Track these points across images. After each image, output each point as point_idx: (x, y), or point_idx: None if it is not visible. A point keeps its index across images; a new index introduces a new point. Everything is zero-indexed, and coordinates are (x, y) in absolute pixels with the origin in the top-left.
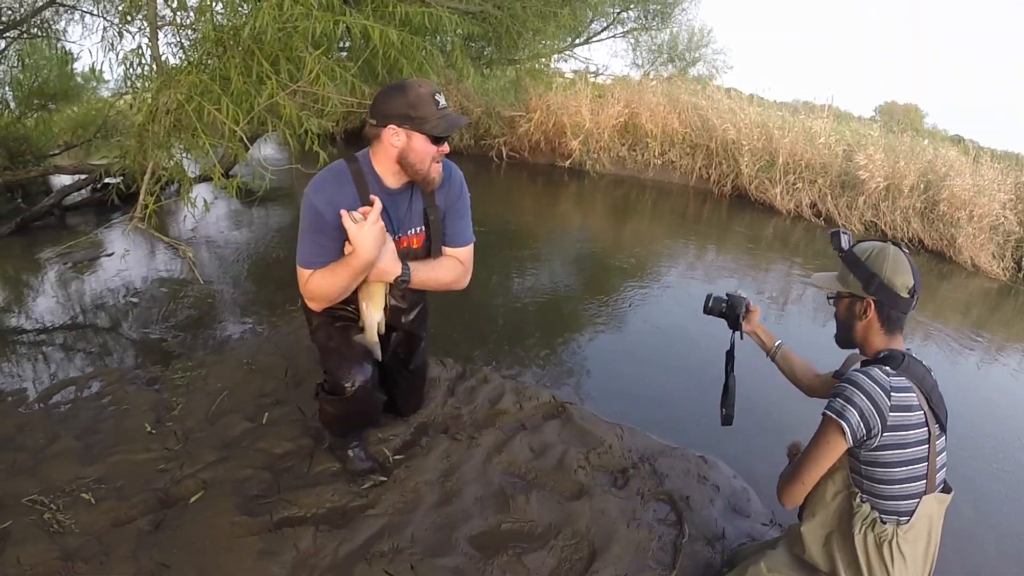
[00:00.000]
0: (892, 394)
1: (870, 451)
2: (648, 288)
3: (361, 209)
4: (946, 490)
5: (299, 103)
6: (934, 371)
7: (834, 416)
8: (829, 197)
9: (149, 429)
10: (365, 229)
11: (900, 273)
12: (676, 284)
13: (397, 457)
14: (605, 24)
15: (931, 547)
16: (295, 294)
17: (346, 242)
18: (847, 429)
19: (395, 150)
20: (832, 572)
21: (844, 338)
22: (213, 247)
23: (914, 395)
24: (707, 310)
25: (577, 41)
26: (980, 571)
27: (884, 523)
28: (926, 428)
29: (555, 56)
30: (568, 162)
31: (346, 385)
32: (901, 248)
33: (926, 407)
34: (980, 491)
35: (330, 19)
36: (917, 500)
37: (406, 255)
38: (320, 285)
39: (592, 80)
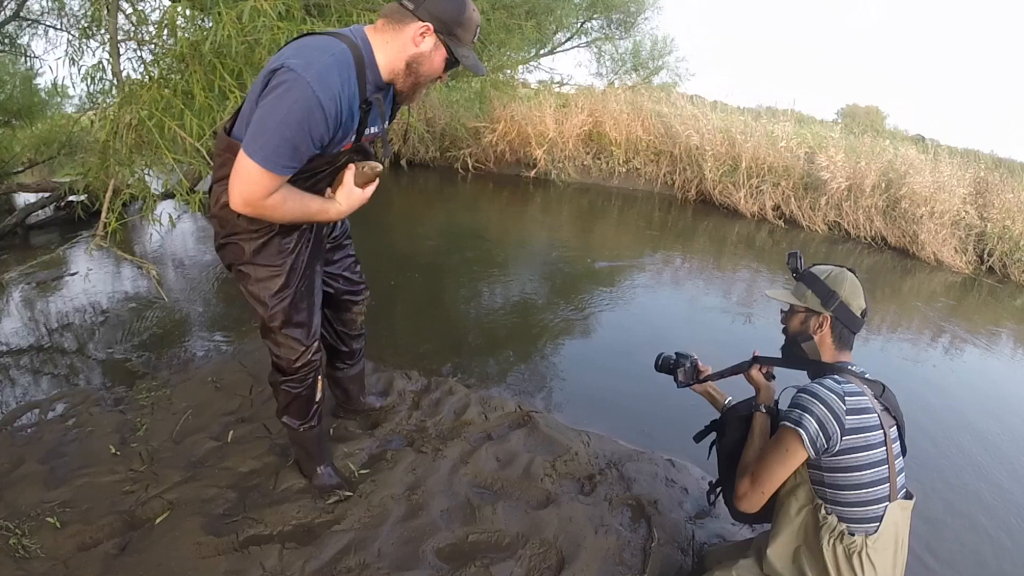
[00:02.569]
0: (847, 398)
1: (831, 457)
2: (614, 295)
3: (373, 166)
4: (908, 496)
5: None
6: (899, 366)
7: (792, 425)
8: (792, 199)
9: (114, 451)
10: (363, 194)
11: (856, 295)
12: (642, 290)
13: (363, 471)
14: (569, 35)
15: (900, 555)
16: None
17: (330, 188)
18: (805, 437)
19: (414, 51)
20: None
21: (793, 352)
22: (179, 263)
23: (867, 398)
24: (658, 367)
25: (542, 52)
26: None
27: (852, 535)
28: (882, 431)
29: (520, 67)
30: (534, 172)
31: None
32: (855, 273)
33: (879, 410)
34: (944, 482)
35: (294, 28)
36: (882, 507)
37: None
38: (281, 206)
39: (557, 90)
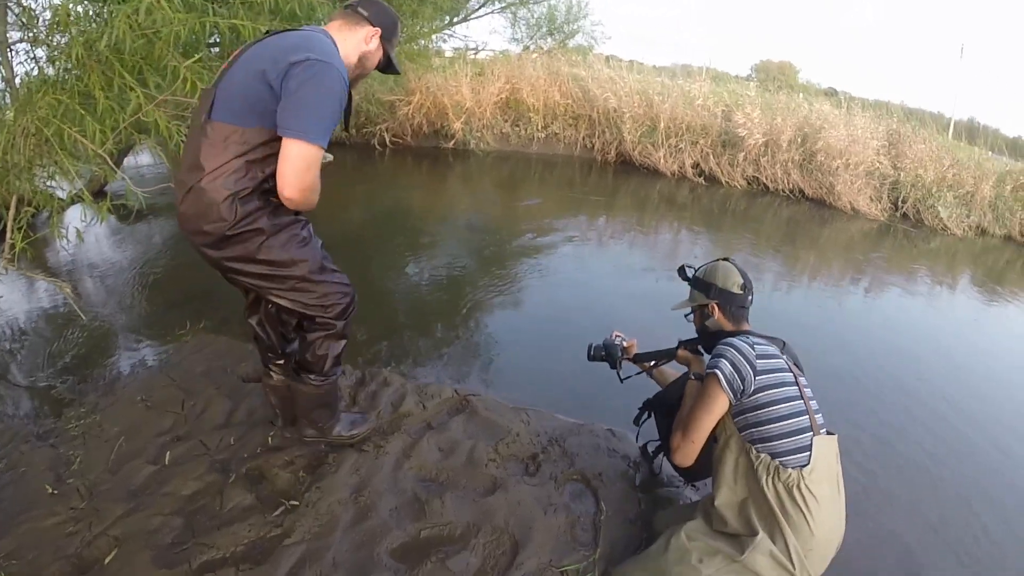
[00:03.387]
0: (756, 346)
1: (749, 398)
2: (542, 263)
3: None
4: (830, 433)
5: (171, 113)
6: (822, 309)
7: (709, 370)
8: (711, 156)
9: (51, 490)
10: None
11: (730, 276)
12: (569, 255)
13: (305, 476)
14: (482, 1)
15: (839, 489)
16: (184, 315)
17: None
18: (722, 377)
19: (365, 48)
20: (751, 531)
21: (704, 339)
22: (95, 274)
23: (774, 348)
24: (590, 357)
25: (455, 20)
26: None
27: (787, 468)
28: (791, 373)
29: (435, 36)
30: (452, 143)
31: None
32: (729, 259)
33: (787, 360)
34: (871, 417)
35: (194, 19)
36: (807, 437)
37: None
38: (317, 191)
39: (472, 57)
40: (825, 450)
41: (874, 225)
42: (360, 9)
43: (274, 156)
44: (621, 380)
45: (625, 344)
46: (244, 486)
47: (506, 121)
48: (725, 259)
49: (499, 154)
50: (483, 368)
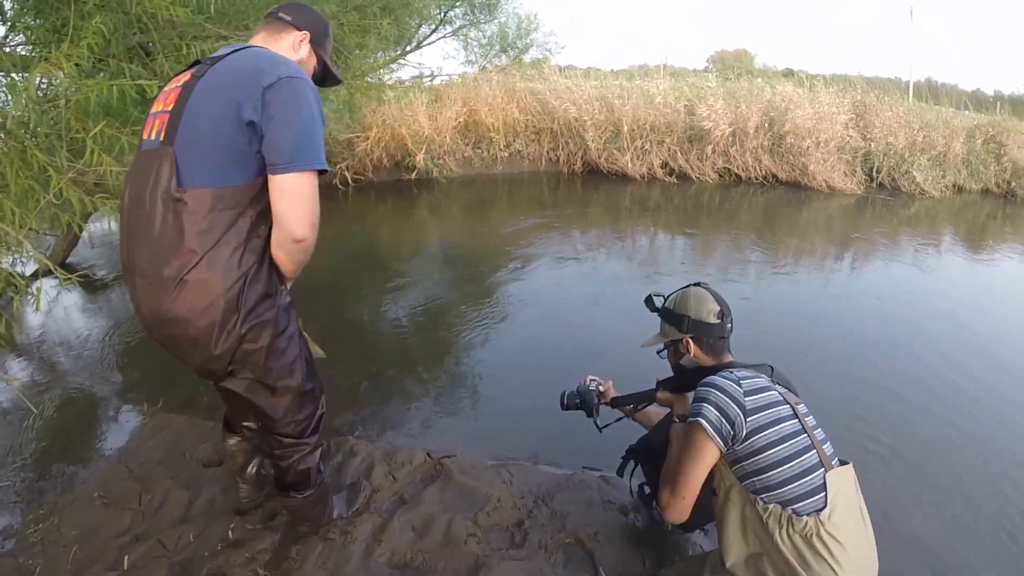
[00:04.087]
0: (742, 381)
1: (744, 444)
2: (517, 293)
3: None
4: (843, 463)
5: (91, 184)
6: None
7: (692, 418)
8: (679, 153)
9: None
10: None
11: (704, 304)
12: (546, 280)
13: (266, 574)
14: (433, 26)
15: (864, 521)
16: (142, 394)
17: None
18: (708, 426)
19: (295, 56)
20: None
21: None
22: (41, 362)
23: (763, 379)
24: (564, 407)
25: (408, 48)
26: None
27: (801, 516)
28: (788, 405)
29: (389, 67)
30: (415, 173)
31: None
32: (702, 285)
33: (780, 389)
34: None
35: (103, 86)
36: (819, 476)
37: None
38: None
39: (428, 84)
40: (841, 484)
41: (851, 200)
42: (282, 15)
43: (268, 209)
44: (600, 429)
45: (601, 388)
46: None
47: (467, 144)
48: (697, 284)
49: (463, 179)
50: (458, 421)
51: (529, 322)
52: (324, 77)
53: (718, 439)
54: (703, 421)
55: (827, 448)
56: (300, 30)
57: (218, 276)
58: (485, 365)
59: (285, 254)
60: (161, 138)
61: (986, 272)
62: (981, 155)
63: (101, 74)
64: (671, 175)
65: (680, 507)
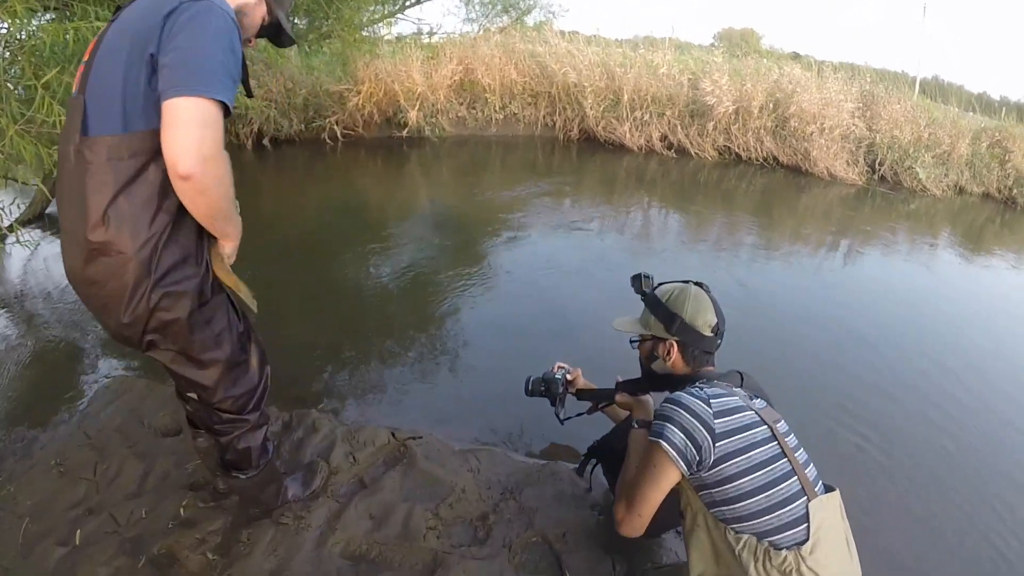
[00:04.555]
0: (712, 401)
1: (712, 470)
2: (503, 262)
3: None
4: (829, 489)
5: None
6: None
7: (654, 439)
8: (679, 127)
9: None
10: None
11: (702, 311)
12: (534, 250)
13: (215, 559)
14: None
15: (849, 552)
16: (103, 357)
17: None
18: (671, 449)
19: (240, 1)
20: None
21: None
22: (10, 320)
23: (736, 398)
24: (528, 392)
25: (407, 3)
26: None
27: (779, 549)
28: (766, 426)
29: (388, 21)
30: (406, 131)
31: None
32: (703, 287)
33: (758, 408)
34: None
35: (59, 31)
36: (802, 506)
37: None
38: (226, 169)
39: (427, 41)
40: (826, 515)
41: (852, 190)
42: None
43: None
44: (561, 421)
45: (569, 377)
46: (153, 573)
47: (461, 104)
48: (698, 284)
49: (456, 139)
50: (430, 398)
51: (514, 296)
52: (276, 35)
53: (681, 464)
54: (665, 444)
55: (810, 472)
56: None
57: (124, 236)
58: (464, 339)
59: (181, 199)
60: (77, 89)
61: (986, 277)
62: (985, 158)
63: (68, 19)
64: (670, 149)
65: (636, 524)
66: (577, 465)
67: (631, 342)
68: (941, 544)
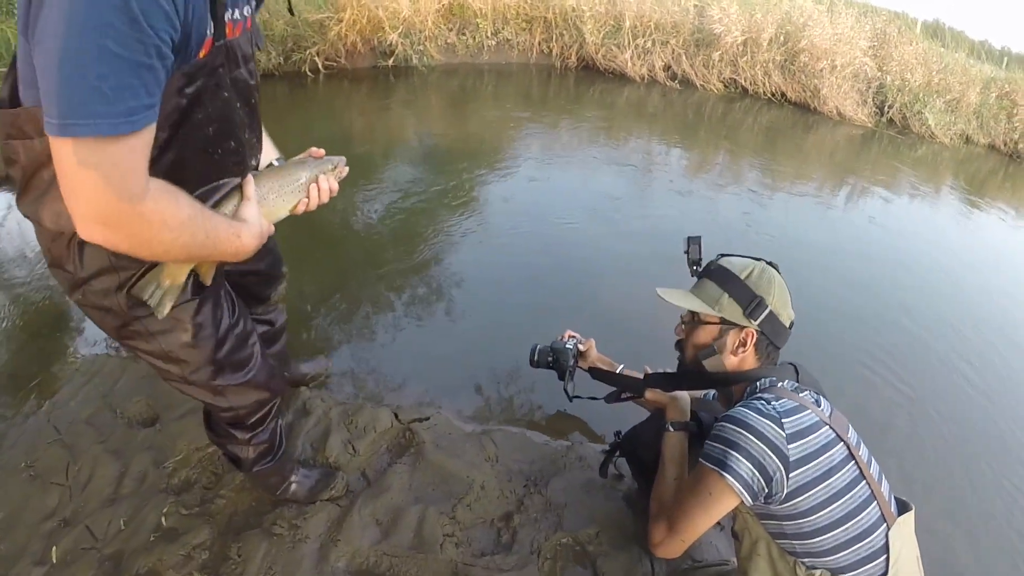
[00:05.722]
0: (784, 421)
1: (784, 504)
2: (503, 200)
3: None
4: (904, 509)
5: None
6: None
7: (715, 469)
8: (684, 57)
9: None
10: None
11: (786, 302)
12: (532, 185)
13: None
14: None
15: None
16: (74, 333)
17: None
18: (736, 483)
19: None
20: None
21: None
22: None
23: (809, 413)
24: (533, 363)
25: None
26: None
27: None
28: (842, 443)
29: None
30: (392, 60)
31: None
32: (779, 269)
33: (827, 417)
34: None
35: None
36: (882, 536)
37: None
38: (170, 213)
39: None
40: (904, 540)
41: (859, 131)
42: None
43: None
44: (570, 398)
45: (581, 347)
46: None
47: (450, 30)
48: (773, 265)
49: (445, 68)
50: (433, 370)
51: (514, 243)
52: None
53: (747, 497)
54: (730, 478)
55: (885, 489)
56: None
57: (39, 223)
58: (467, 294)
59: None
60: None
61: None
62: (994, 109)
63: None
64: (673, 79)
65: (676, 549)
66: (604, 447)
67: (682, 318)
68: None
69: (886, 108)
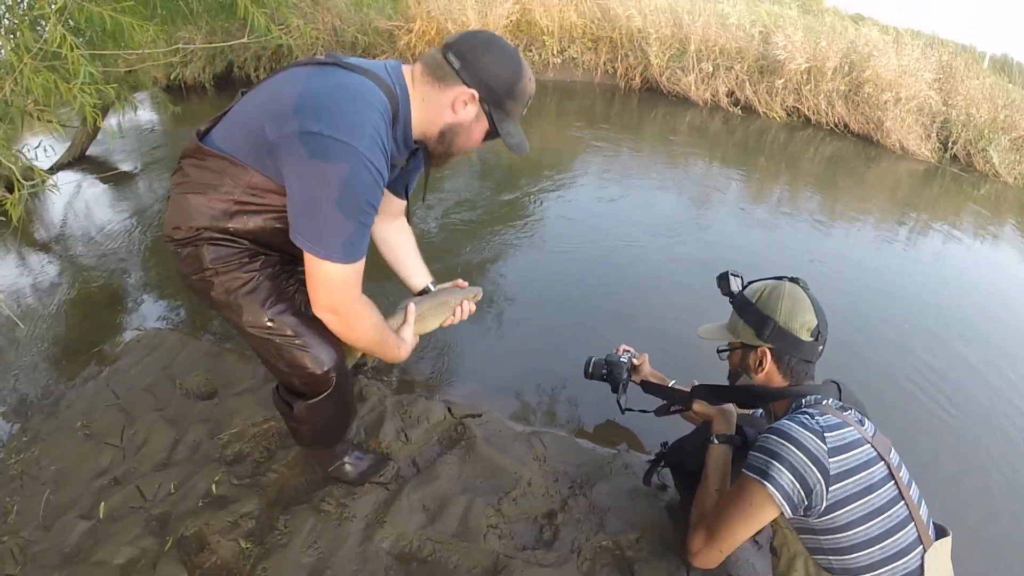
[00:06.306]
0: (827, 435)
1: (822, 517)
2: (559, 217)
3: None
4: (942, 534)
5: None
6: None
7: (756, 478)
8: (747, 83)
9: None
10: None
11: (799, 312)
12: (591, 207)
13: (249, 548)
14: None
15: None
16: (138, 307)
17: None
18: (777, 493)
19: (452, 119)
20: None
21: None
22: (29, 274)
23: (851, 430)
24: (588, 375)
25: None
26: None
27: None
28: (883, 462)
29: None
30: None
31: (322, 371)
32: (799, 283)
33: (870, 437)
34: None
35: None
36: (917, 558)
37: None
38: (365, 315)
39: None
40: (940, 565)
41: (922, 166)
42: (450, 57)
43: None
44: (623, 410)
45: (635, 362)
46: (180, 559)
47: (518, 45)
48: (794, 280)
49: None
50: (487, 371)
51: (575, 253)
52: (494, 136)
53: (787, 508)
54: (771, 488)
55: (923, 513)
56: (468, 86)
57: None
58: (523, 303)
59: None
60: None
61: None
62: None
63: None
64: (736, 105)
65: (714, 559)
66: (649, 458)
67: (718, 352)
68: None
69: (950, 144)
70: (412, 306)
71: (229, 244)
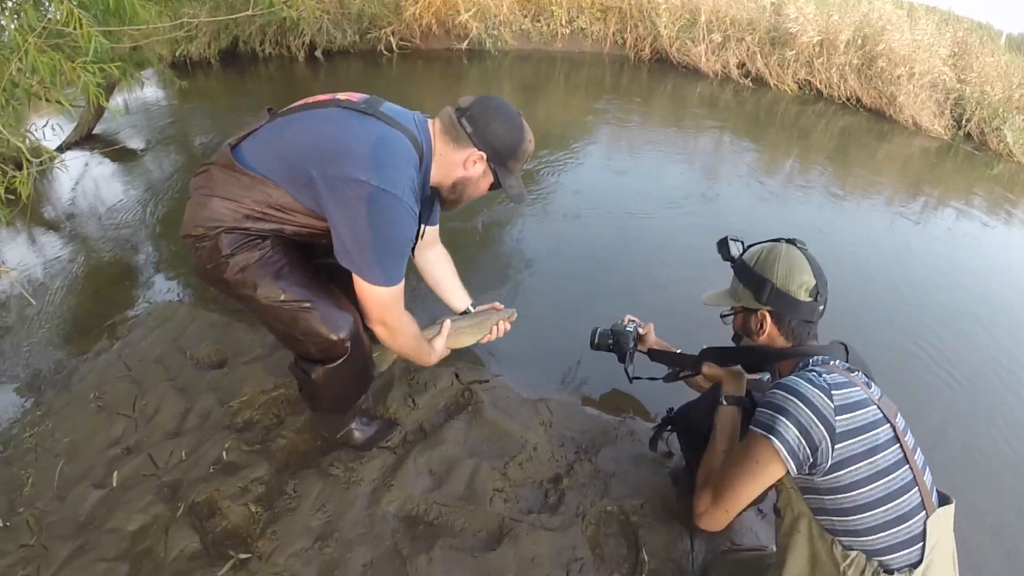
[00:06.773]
0: (834, 393)
1: (826, 475)
2: (569, 187)
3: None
4: (944, 501)
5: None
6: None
7: (763, 433)
8: (759, 55)
9: (3, 523)
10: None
11: (796, 272)
12: (599, 169)
13: (258, 512)
14: None
15: (955, 571)
16: (148, 280)
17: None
18: (782, 448)
19: (463, 174)
20: None
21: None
22: (41, 247)
23: (858, 390)
24: (594, 346)
25: None
26: None
27: (891, 572)
28: (888, 424)
29: None
30: (466, 43)
31: (337, 337)
32: (796, 243)
33: (876, 399)
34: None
35: None
36: (919, 523)
37: None
38: (407, 326)
39: None
40: (941, 532)
41: (935, 143)
42: (464, 122)
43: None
44: (630, 380)
45: (640, 331)
46: (191, 524)
47: (525, 16)
48: (791, 241)
49: (518, 54)
50: (494, 340)
51: (582, 223)
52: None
53: (792, 464)
54: (776, 442)
55: (928, 479)
56: (478, 149)
57: (195, 208)
58: (531, 273)
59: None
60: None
61: None
62: None
63: None
64: (746, 77)
65: (720, 520)
66: (655, 425)
67: (722, 317)
68: None
69: (963, 121)
70: (448, 322)
71: (245, 233)
